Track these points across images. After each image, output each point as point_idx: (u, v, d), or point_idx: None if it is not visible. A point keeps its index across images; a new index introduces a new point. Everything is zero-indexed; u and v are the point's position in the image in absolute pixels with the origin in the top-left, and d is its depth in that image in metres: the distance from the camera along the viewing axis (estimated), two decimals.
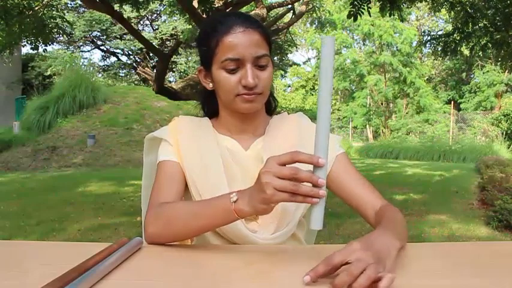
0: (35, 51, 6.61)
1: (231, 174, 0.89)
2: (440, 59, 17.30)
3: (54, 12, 6.45)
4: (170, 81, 17.80)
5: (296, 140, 0.93)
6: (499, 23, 5.60)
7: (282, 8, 8.96)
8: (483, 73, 17.58)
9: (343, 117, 20.63)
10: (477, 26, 5.82)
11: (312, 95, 24.86)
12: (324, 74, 0.66)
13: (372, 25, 17.20)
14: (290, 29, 11.26)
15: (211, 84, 0.91)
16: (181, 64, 19.52)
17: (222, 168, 0.88)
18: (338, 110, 22.55)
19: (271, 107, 1.03)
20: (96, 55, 51.69)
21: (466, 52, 7.04)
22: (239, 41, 0.84)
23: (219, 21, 0.87)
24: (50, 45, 6.36)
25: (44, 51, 6.56)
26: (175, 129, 0.95)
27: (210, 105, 1.00)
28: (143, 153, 1.04)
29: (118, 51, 20.82)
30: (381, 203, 0.87)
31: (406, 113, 18.70)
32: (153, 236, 0.80)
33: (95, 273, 0.59)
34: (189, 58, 19.46)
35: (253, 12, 6.67)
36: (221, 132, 0.96)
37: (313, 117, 1.05)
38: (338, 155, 0.94)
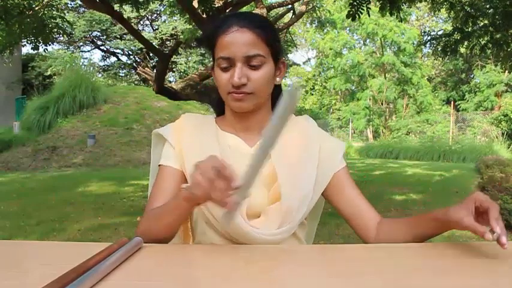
0: (35, 51, 6.61)
1: (232, 168, 0.89)
2: (440, 59, 17.29)
3: (54, 12, 6.44)
4: (170, 81, 17.80)
5: (302, 141, 0.95)
6: (498, 22, 5.59)
7: (282, 8, 8.96)
8: (483, 73, 17.57)
9: (343, 117, 20.62)
10: (477, 26, 5.82)
11: (312, 94, 24.87)
12: (276, 126, 0.63)
13: (376, 24, 17.18)
14: (290, 29, 11.25)
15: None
16: (181, 64, 19.51)
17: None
18: (338, 110, 22.54)
19: None
20: (96, 55, 51.66)
21: (466, 51, 7.02)
22: (231, 40, 0.86)
23: (220, 21, 0.90)
24: (50, 45, 6.33)
25: (44, 51, 6.56)
26: (179, 127, 0.96)
27: (219, 104, 1.02)
28: (151, 150, 1.04)
29: (118, 51, 20.86)
30: (379, 216, 0.93)
31: (406, 113, 18.69)
32: (143, 238, 0.83)
33: (95, 274, 0.59)
34: (189, 58, 19.46)
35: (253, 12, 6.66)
36: (226, 129, 0.97)
37: (311, 117, 1.06)
38: (340, 169, 0.96)
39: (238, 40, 0.85)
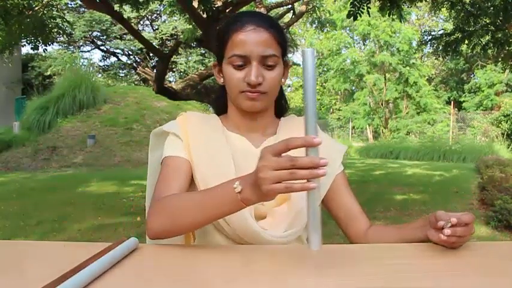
0: (35, 51, 6.61)
1: (240, 168, 0.88)
2: (441, 59, 17.25)
3: (54, 12, 6.44)
4: (170, 81, 17.77)
5: None
6: (498, 21, 5.58)
7: (282, 8, 8.96)
8: (483, 73, 17.57)
9: (343, 117, 20.61)
10: (478, 25, 5.81)
11: None
12: (308, 83, 0.63)
13: (369, 25, 17.18)
14: (290, 29, 11.24)
15: (222, 79, 0.93)
16: (181, 64, 19.49)
17: (231, 160, 0.88)
18: (338, 109, 22.52)
19: (282, 110, 1.03)
20: (96, 55, 51.48)
21: (467, 50, 7.01)
22: (247, 38, 0.85)
23: (234, 19, 0.90)
24: (50, 45, 6.34)
25: (44, 51, 6.55)
26: (185, 123, 0.94)
27: (219, 102, 1.01)
28: (149, 150, 1.02)
29: (118, 51, 20.83)
30: (369, 222, 0.95)
31: (407, 113, 18.67)
32: (157, 231, 0.77)
33: (88, 274, 0.58)
34: (189, 58, 19.44)
35: None
36: (230, 129, 0.96)
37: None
38: (338, 174, 0.97)
39: (255, 39, 0.85)
